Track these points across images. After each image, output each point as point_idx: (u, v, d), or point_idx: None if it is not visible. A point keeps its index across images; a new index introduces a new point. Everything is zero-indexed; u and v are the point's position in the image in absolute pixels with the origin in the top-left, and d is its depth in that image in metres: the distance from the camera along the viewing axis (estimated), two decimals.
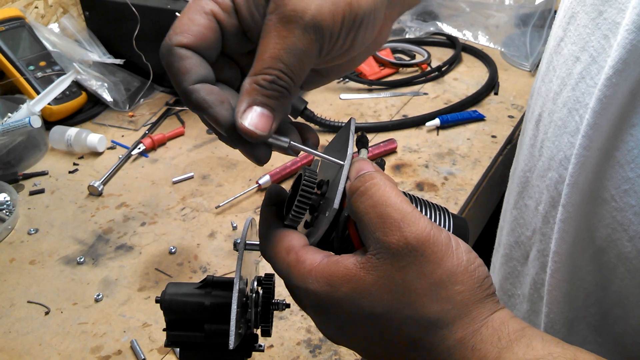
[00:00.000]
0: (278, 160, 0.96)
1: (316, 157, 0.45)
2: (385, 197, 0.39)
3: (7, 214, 0.90)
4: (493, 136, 1.06)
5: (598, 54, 0.48)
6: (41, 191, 0.96)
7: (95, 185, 0.95)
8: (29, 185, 0.98)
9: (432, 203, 0.44)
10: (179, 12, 0.46)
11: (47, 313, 0.75)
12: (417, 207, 0.42)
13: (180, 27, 0.40)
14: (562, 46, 0.55)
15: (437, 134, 1.07)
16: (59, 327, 0.73)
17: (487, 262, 0.88)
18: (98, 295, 0.77)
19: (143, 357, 0.69)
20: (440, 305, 0.38)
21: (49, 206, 0.93)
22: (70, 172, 1.01)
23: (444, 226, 0.43)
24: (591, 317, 0.52)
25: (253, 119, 0.39)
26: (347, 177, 0.42)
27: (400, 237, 0.38)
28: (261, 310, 0.47)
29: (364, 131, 1.07)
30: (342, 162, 0.42)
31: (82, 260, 0.83)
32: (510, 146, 1.07)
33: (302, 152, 0.44)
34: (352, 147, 0.43)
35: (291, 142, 0.42)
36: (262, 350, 0.51)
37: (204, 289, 0.48)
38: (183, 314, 0.47)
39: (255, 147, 0.42)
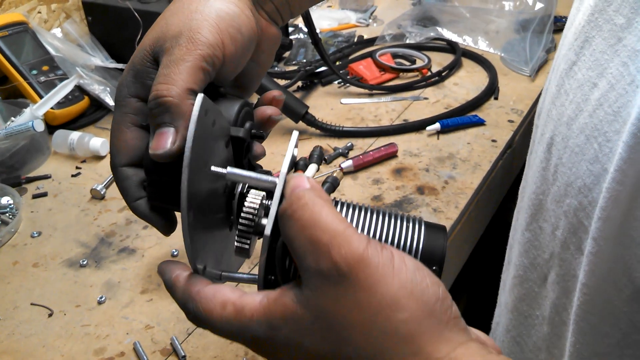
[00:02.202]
0: (278, 164, 0.97)
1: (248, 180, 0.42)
2: (314, 217, 0.34)
3: (10, 217, 0.90)
4: (493, 140, 1.07)
5: (617, 80, 0.47)
6: (44, 194, 0.97)
7: (98, 188, 0.95)
8: (32, 189, 0.98)
9: (397, 214, 0.40)
10: None
11: (50, 315, 0.76)
12: (371, 218, 0.39)
13: (115, 147, 0.46)
14: (575, 70, 0.53)
15: (438, 138, 1.08)
16: (62, 329, 0.74)
17: (491, 270, 0.89)
18: (101, 298, 0.77)
19: (146, 359, 0.69)
20: (385, 341, 0.32)
21: (51, 209, 0.94)
22: (72, 175, 1.02)
23: (412, 240, 0.38)
24: (627, 358, 0.50)
25: (152, 142, 0.42)
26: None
27: (329, 262, 0.33)
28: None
29: (362, 136, 1.08)
30: (275, 181, 0.39)
31: (85, 263, 0.83)
32: (510, 150, 1.08)
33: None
34: (286, 165, 0.40)
35: (217, 169, 0.41)
36: None
37: None
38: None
39: (153, 220, 0.47)
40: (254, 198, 0.41)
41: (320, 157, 0.47)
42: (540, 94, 1.21)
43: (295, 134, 0.44)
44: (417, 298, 0.32)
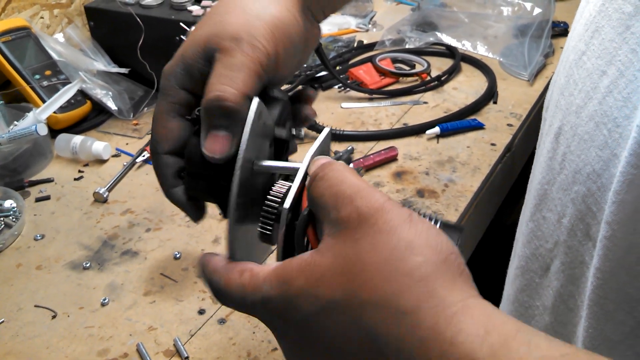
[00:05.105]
0: None
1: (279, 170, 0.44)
2: (342, 177, 0.37)
3: (14, 220, 0.91)
4: (492, 144, 1.08)
5: (626, 67, 0.48)
6: (47, 198, 0.98)
7: (101, 192, 0.96)
8: (34, 192, 0.99)
9: (419, 209, 0.41)
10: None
11: (54, 317, 0.76)
12: None
13: (159, 135, 0.47)
14: (584, 60, 0.54)
15: (437, 142, 1.09)
16: (66, 331, 0.74)
17: (490, 272, 0.89)
18: (104, 300, 0.78)
19: None
20: (399, 281, 0.32)
21: (54, 212, 0.95)
22: (75, 179, 1.02)
23: None
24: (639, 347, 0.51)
25: (210, 145, 0.43)
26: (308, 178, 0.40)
27: (352, 208, 0.35)
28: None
29: (362, 140, 1.09)
30: (298, 165, 0.42)
31: (88, 265, 0.84)
32: (509, 154, 1.09)
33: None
34: (313, 148, 0.43)
35: (256, 163, 0.43)
36: None
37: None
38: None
39: (187, 208, 0.48)
40: (280, 187, 0.42)
41: (348, 159, 0.48)
42: (540, 96, 1.22)
43: (327, 129, 0.46)
44: (431, 246, 0.33)
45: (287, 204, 0.39)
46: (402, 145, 1.07)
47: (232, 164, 0.42)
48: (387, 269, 0.33)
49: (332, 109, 1.20)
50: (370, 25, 1.55)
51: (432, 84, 1.26)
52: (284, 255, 0.40)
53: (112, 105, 1.15)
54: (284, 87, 1.20)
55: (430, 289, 0.32)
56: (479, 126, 1.12)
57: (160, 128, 0.47)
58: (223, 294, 0.40)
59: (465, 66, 1.35)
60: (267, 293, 0.36)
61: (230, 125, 0.43)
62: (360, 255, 0.34)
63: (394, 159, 1.03)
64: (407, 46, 1.40)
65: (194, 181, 0.46)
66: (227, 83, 0.43)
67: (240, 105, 0.43)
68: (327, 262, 0.35)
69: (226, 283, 0.39)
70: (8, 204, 0.93)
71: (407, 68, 1.34)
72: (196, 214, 0.49)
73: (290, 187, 0.41)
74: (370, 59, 1.33)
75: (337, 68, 1.33)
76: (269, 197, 0.42)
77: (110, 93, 1.15)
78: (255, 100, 0.42)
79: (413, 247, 0.33)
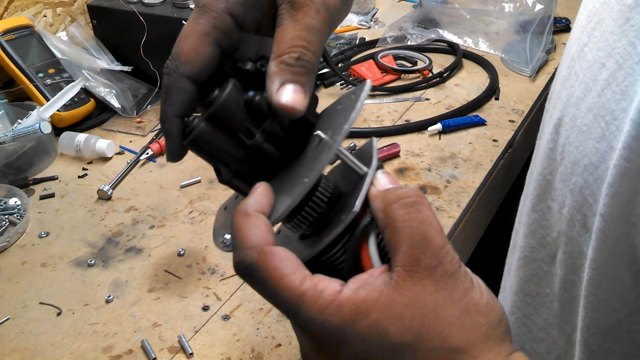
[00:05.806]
0: None
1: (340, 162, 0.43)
2: (434, 220, 0.38)
3: (18, 217, 0.92)
4: (494, 140, 1.08)
5: (624, 60, 0.48)
6: (51, 195, 0.98)
7: (105, 189, 0.96)
8: (39, 190, 1.00)
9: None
10: (185, 21, 0.48)
11: (58, 314, 0.77)
12: None
13: (186, 56, 0.42)
14: (585, 51, 0.55)
15: (439, 138, 1.09)
16: (71, 328, 0.75)
17: (493, 267, 0.90)
18: (109, 297, 0.79)
19: (154, 357, 0.70)
20: (467, 335, 0.37)
21: (59, 210, 0.95)
22: (79, 176, 1.03)
23: None
24: (635, 333, 0.52)
25: (289, 94, 0.41)
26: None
27: (437, 261, 0.37)
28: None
29: (364, 137, 1.09)
30: (366, 169, 0.41)
31: (92, 262, 0.84)
32: (511, 150, 1.09)
33: None
34: (376, 158, 0.42)
35: (340, 149, 0.40)
36: None
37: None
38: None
39: (175, 145, 0.44)
40: (328, 183, 0.42)
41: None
42: (541, 92, 1.22)
43: (374, 139, 0.45)
44: (491, 308, 0.39)
45: (357, 206, 0.39)
46: (405, 142, 1.07)
47: (299, 124, 0.42)
48: (459, 323, 0.37)
49: None
50: (372, 22, 1.55)
51: (434, 80, 1.26)
52: (323, 252, 0.40)
53: (115, 103, 1.16)
54: None
55: (489, 345, 0.38)
56: (481, 122, 1.12)
57: (189, 48, 0.42)
58: (263, 283, 0.38)
59: (467, 63, 1.35)
60: (333, 318, 0.36)
61: (308, 83, 0.42)
62: (437, 306, 0.37)
63: (396, 155, 1.04)
64: (408, 43, 1.41)
65: (213, 132, 0.41)
66: (312, 46, 0.42)
67: (317, 67, 0.43)
68: (404, 301, 0.37)
69: (277, 277, 0.37)
70: (12, 201, 0.94)
71: (409, 65, 1.34)
72: (176, 155, 0.46)
73: (362, 189, 0.40)
74: (372, 56, 1.33)
75: (339, 65, 1.33)
76: (321, 189, 0.41)
77: (113, 91, 1.16)
78: (369, 83, 0.42)
79: (479, 309, 0.38)
